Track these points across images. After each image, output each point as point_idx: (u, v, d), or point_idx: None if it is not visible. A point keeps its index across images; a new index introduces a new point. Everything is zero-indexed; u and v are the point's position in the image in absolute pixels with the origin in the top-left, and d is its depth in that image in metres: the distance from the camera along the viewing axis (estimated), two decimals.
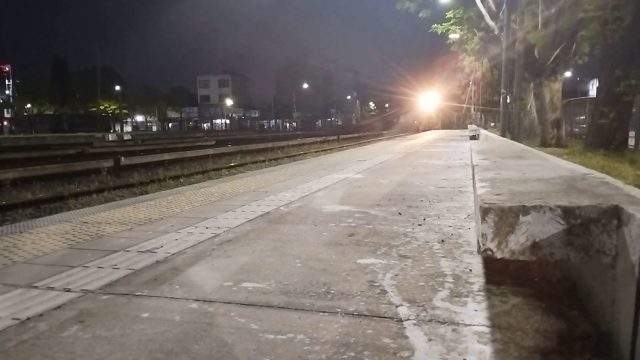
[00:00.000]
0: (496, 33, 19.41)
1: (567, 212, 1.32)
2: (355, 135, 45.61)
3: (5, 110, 72.97)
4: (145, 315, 1.69)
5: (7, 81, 74.49)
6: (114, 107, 78.53)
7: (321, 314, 1.66)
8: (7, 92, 74.69)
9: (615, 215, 1.29)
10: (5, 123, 64.91)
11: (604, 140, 14.68)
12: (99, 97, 71.74)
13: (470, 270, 2.12)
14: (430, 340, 1.45)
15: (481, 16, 20.17)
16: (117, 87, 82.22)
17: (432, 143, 14.94)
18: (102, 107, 74.95)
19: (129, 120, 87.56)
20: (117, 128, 75.39)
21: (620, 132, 14.52)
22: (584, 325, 1.54)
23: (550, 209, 1.34)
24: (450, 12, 24.28)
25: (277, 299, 1.81)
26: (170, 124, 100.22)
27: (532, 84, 19.74)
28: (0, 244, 2.76)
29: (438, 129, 47.59)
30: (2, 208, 7.87)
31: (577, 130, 24.95)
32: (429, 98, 56.06)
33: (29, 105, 72.58)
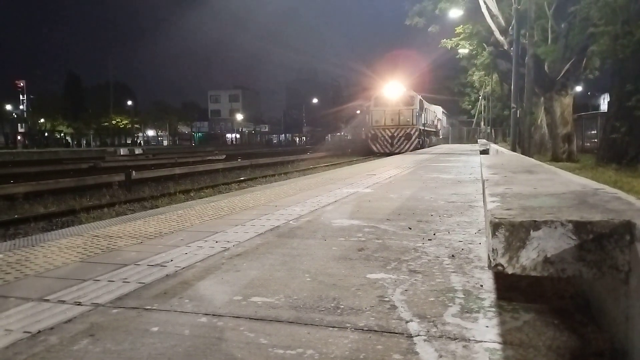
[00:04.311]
0: (506, 48, 19.46)
1: (579, 228, 1.32)
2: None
3: (19, 125, 74.03)
4: (155, 329, 1.69)
5: (21, 96, 75.59)
6: (126, 121, 79.44)
7: (331, 329, 1.66)
8: (21, 107, 75.81)
9: (627, 231, 1.28)
10: (19, 137, 65.89)
11: (616, 154, 14.58)
12: (112, 112, 72.62)
13: (481, 285, 2.10)
14: (440, 356, 1.44)
15: (490, 31, 20.24)
16: (129, 102, 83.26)
17: (442, 157, 14.90)
18: (114, 122, 75.87)
19: (140, 134, 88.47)
20: (129, 142, 76.16)
21: (633, 147, 14.40)
22: (597, 342, 1.51)
23: (562, 224, 1.33)
24: (460, 27, 24.41)
25: (287, 313, 1.80)
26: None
27: (542, 99, 19.72)
28: (13, 258, 2.78)
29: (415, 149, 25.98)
30: (14, 222, 7.95)
31: (588, 144, 24.82)
32: (394, 89, 28.46)
33: (42, 120, 73.63)
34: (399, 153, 23.68)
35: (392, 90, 28.87)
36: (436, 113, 39.90)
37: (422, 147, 28.89)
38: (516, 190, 2.08)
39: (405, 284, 2.14)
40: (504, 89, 36.18)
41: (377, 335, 1.60)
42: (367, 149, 29.09)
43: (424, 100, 31.37)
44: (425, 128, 31.83)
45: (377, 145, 28.33)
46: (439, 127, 42.44)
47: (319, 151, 35.86)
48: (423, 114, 30.46)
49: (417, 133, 27.84)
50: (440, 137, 43.90)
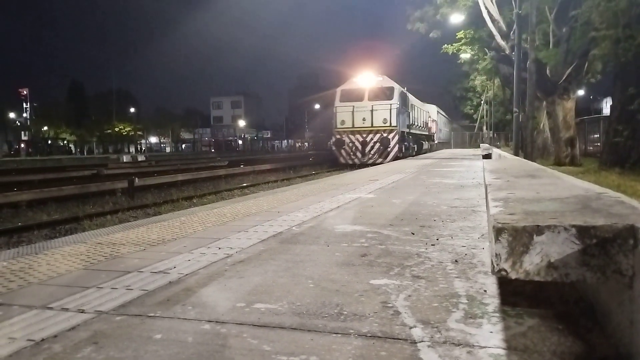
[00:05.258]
0: (507, 52, 19.47)
1: (582, 232, 1.31)
2: None
3: (22, 132, 74.43)
4: (158, 336, 1.69)
5: (24, 104, 76.13)
6: (129, 128, 79.72)
7: (334, 335, 1.65)
8: (24, 115, 76.25)
9: (631, 235, 1.27)
10: (22, 145, 66.21)
11: (619, 158, 14.56)
12: (114, 119, 72.95)
13: (485, 291, 2.09)
14: None
15: (492, 36, 20.26)
16: (132, 109, 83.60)
17: (445, 162, 14.89)
18: (117, 129, 76.21)
19: (143, 141, 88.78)
20: (132, 149, 76.54)
21: (636, 150, 14.37)
22: (602, 347, 1.50)
23: (565, 228, 1.33)
24: (461, 32, 24.43)
25: (290, 320, 1.80)
26: (183, 145, 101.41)
27: (544, 103, 19.70)
28: (16, 265, 2.79)
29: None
30: (18, 229, 7.96)
31: (591, 148, 24.80)
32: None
33: (45, 128, 73.96)
34: (373, 164, 17.77)
35: (363, 80, 22.21)
36: (429, 113, 33.97)
37: (407, 155, 22.57)
38: (519, 194, 2.08)
39: (408, 289, 2.14)
40: (506, 94, 35.89)
41: (381, 341, 1.59)
42: (334, 160, 22.80)
43: (409, 94, 24.68)
44: (412, 131, 25.28)
45: (344, 154, 22.01)
46: (433, 129, 35.68)
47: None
48: (408, 113, 24.15)
49: (397, 137, 21.06)
50: (436, 142, 37.78)
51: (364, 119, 21.43)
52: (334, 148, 22.49)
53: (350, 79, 22.85)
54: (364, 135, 21.48)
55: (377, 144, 21.18)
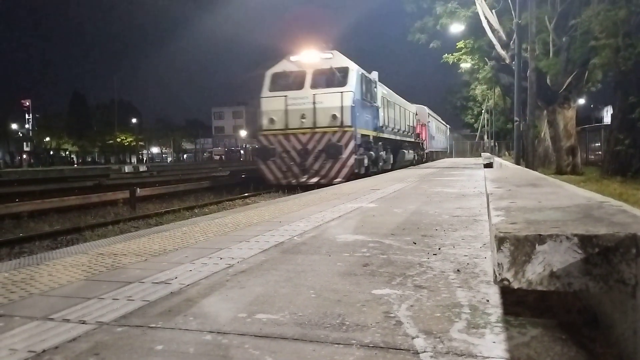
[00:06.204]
0: (507, 62, 19.54)
1: (585, 241, 1.31)
2: None
3: (24, 143, 74.76)
4: (160, 347, 1.68)
5: (27, 115, 76.54)
6: (131, 139, 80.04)
7: (336, 345, 1.64)
8: (26, 126, 76.63)
9: (633, 244, 1.27)
10: (24, 156, 66.47)
11: (621, 167, 14.57)
12: (116, 130, 73.28)
13: (487, 300, 2.09)
14: None
15: (492, 46, 20.35)
16: (134, 120, 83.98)
17: (446, 171, 14.89)
18: (118, 140, 76.54)
19: (144, 152, 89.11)
20: (133, 160, 76.80)
21: (637, 159, 14.38)
22: (605, 357, 1.50)
23: (567, 237, 1.32)
24: (461, 42, 24.55)
25: (292, 330, 1.79)
26: (185, 155, 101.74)
27: (545, 112, 19.75)
28: (18, 276, 2.79)
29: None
30: (19, 240, 7.96)
31: (592, 157, 24.84)
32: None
33: (47, 139, 74.29)
34: (319, 185, 12.90)
35: (304, 59, 15.08)
36: (418, 115, 26.92)
37: (372, 171, 15.92)
38: (521, 204, 2.08)
39: (410, 299, 2.13)
40: (507, 103, 35.82)
41: (383, 351, 1.58)
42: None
43: (380, 84, 17.57)
44: (385, 135, 18.17)
45: (273, 169, 14.82)
46: (423, 135, 28.26)
47: None
48: (378, 108, 17.11)
49: (353, 143, 13.95)
50: (427, 150, 30.32)
51: (303, 116, 14.36)
52: (259, 161, 15.28)
53: (286, 56, 15.61)
54: (304, 140, 14.42)
55: (322, 153, 14.15)
